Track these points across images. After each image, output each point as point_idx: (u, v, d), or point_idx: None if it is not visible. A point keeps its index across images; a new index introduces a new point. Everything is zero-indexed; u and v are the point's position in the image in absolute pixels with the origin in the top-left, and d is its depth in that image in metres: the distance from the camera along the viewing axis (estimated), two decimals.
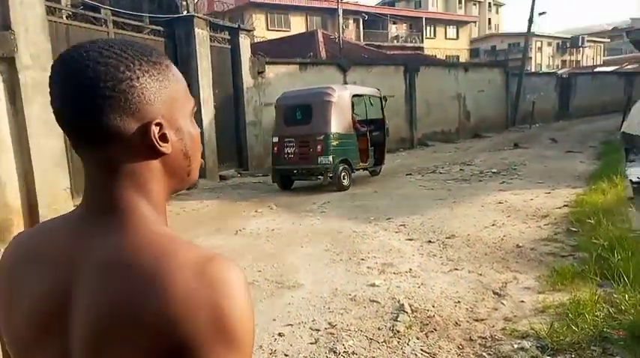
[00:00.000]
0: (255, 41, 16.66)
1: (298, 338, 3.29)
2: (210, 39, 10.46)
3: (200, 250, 0.61)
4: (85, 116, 0.61)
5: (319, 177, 8.40)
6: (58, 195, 6.12)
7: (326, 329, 3.39)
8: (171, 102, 0.66)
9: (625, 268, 3.66)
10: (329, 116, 8.26)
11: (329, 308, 3.70)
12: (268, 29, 29.38)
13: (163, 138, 0.64)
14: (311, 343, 3.21)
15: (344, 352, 3.07)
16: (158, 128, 0.63)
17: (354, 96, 9.03)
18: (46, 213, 5.94)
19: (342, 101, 8.55)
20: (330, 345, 3.16)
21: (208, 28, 10.45)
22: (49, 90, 0.64)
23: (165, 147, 0.64)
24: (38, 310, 0.63)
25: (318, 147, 8.19)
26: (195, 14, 10.52)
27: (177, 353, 0.56)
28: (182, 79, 0.69)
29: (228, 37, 11.38)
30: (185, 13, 10.84)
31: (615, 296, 3.45)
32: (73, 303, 0.61)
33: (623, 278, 3.57)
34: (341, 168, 8.34)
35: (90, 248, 0.63)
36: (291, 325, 3.48)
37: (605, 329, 3.02)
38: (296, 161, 8.49)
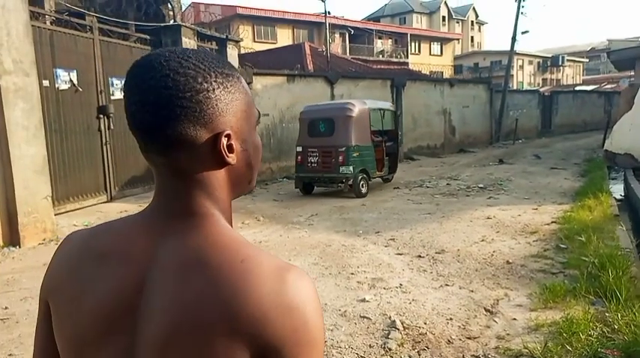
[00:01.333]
0: (243, 52, 16.62)
1: None
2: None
3: (278, 259, 0.66)
4: (162, 123, 0.64)
5: (340, 184, 9.09)
6: (39, 204, 5.92)
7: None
8: (240, 114, 0.69)
9: (617, 286, 3.65)
10: (350, 129, 8.97)
11: None
12: (255, 41, 29.43)
13: (230, 148, 0.67)
14: None
15: None
16: (227, 139, 0.66)
17: (372, 110, 9.70)
18: (25, 222, 5.74)
19: (362, 115, 9.24)
20: None
21: (196, 38, 10.36)
22: (122, 94, 0.69)
23: (231, 158, 0.67)
24: (106, 308, 0.64)
25: (340, 157, 8.87)
26: (183, 24, 10.43)
27: (261, 353, 0.59)
28: (249, 91, 0.72)
29: (216, 48, 11.30)
30: (172, 22, 10.76)
31: (608, 315, 3.43)
32: (143, 302, 0.63)
33: (615, 297, 3.55)
34: (360, 177, 9.04)
35: (164, 249, 0.65)
36: None
37: (599, 349, 2.98)
38: (319, 170, 9.18)
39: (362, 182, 9.10)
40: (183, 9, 17.44)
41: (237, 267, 0.62)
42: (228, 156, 0.66)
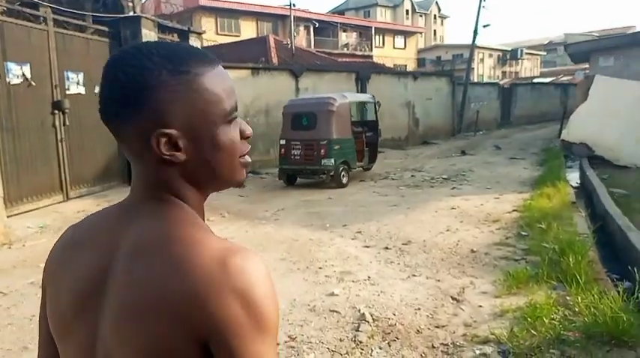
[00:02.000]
0: (206, 45, 16.30)
1: None
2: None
3: (226, 243, 0.66)
4: (110, 116, 0.68)
5: (322, 176, 9.40)
6: None
7: (286, 342, 3.25)
8: (191, 112, 0.68)
9: (576, 270, 3.76)
10: (331, 123, 9.29)
11: (288, 320, 3.56)
12: (218, 33, 28.93)
13: (176, 146, 0.68)
14: None
15: None
16: (166, 138, 0.67)
17: (352, 103, 10.06)
18: None
19: (342, 109, 9.54)
20: None
21: (157, 30, 10.07)
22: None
23: (172, 156, 0.68)
24: (79, 289, 0.70)
25: (322, 150, 9.20)
26: (143, 15, 10.11)
27: (205, 336, 0.61)
28: (216, 86, 0.70)
29: (178, 40, 11.03)
30: (131, 13, 10.41)
31: (569, 298, 3.54)
32: (108, 283, 0.67)
33: (576, 281, 3.67)
34: (341, 168, 9.43)
35: (127, 235, 0.69)
36: None
37: (562, 332, 3.07)
38: (302, 162, 9.47)
39: (343, 173, 9.47)
40: (143, 0, 16.95)
41: (180, 250, 0.64)
42: (165, 155, 0.67)
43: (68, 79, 8.11)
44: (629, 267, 3.67)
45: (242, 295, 0.61)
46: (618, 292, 3.29)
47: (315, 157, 9.28)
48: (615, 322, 2.91)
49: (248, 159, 0.77)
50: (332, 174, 9.23)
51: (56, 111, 7.73)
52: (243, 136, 0.76)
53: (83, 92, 8.37)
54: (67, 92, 8.04)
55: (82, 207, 7.43)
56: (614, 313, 2.96)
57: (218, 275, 0.61)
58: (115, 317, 0.65)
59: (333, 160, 9.19)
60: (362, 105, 10.81)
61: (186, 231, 0.67)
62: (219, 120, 0.70)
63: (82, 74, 8.35)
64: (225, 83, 0.72)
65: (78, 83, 8.31)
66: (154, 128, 0.66)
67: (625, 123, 10.60)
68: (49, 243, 5.57)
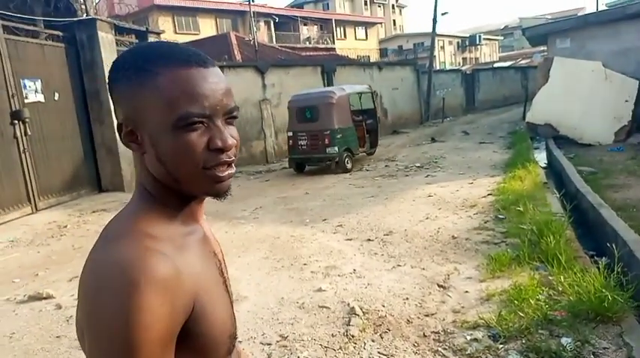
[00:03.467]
0: None
1: (249, 355, 3.08)
2: (117, 43, 9.77)
3: (128, 241, 0.66)
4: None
5: (328, 162, 10.33)
6: None
7: (278, 342, 3.22)
8: (141, 109, 0.70)
9: (557, 250, 3.85)
10: (332, 114, 10.16)
11: (278, 320, 3.52)
12: (176, 32, 28.32)
13: (133, 138, 0.72)
14: None
15: None
16: (127, 128, 0.72)
17: (350, 94, 10.92)
18: None
19: (341, 101, 10.42)
20: None
21: (114, 32, 9.75)
22: None
23: (128, 145, 0.73)
24: None
25: (326, 139, 10.09)
26: (98, 17, 9.77)
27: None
28: (175, 89, 0.69)
29: (136, 41, 10.72)
30: (85, 16, 10.04)
31: (552, 278, 3.62)
32: None
33: (557, 260, 3.75)
34: (345, 155, 10.30)
35: None
36: (240, 341, 3.25)
37: (548, 312, 3.13)
38: (308, 151, 10.40)
39: (347, 159, 10.37)
40: (95, 2, 16.36)
41: (94, 247, 0.70)
42: (123, 141, 0.73)
43: (25, 87, 7.77)
44: (607, 244, 3.78)
45: (84, 291, 0.64)
46: (598, 268, 3.39)
47: (320, 146, 10.16)
48: (599, 299, 2.99)
49: (219, 173, 0.72)
50: (337, 160, 10.13)
51: (16, 122, 7.40)
52: (210, 147, 0.70)
53: (43, 100, 8.04)
54: (26, 101, 7.71)
55: (52, 218, 7.17)
56: (597, 291, 3.04)
57: (84, 270, 0.66)
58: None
59: (336, 148, 10.04)
60: (360, 96, 11.56)
61: (118, 226, 0.71)
62: (167, 123, 0.68)
63: (39, 81, 8.02)
64: (191, 88, 0.69)
65: (36, 91, 7.97)
66: (119, 117, 0.73)
67: (586, 102, 10.95)
68: (23, 256, 5.38)
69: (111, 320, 0.59)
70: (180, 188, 0.73)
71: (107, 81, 0.74)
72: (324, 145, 10.13)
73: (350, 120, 10.61)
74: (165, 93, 0.68)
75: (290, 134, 10.67)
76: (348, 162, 10.39)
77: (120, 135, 0.73)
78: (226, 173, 0.73)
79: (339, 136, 10.15)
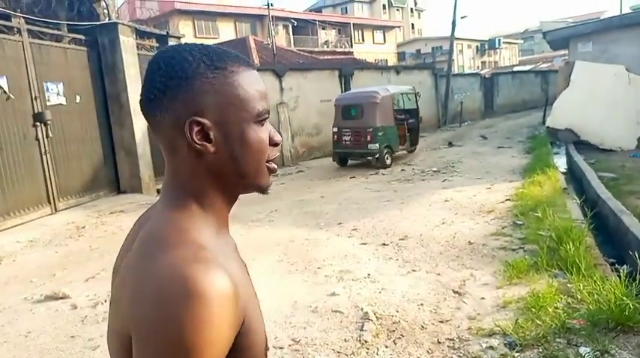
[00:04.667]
0: None
1: None
2: (138, 47, 9.91)
3: (188, 252, 0.63)
4: (145, 103, 0.71)
5: (369, 158, 10.98)
6: None
7: (290, 345, 3.21)
8: (224, 105, 0.70)
9: (576, 257, 3.77)
10: (376, 113, 10.84)
11: (291, 323, 3.51)
12: (196, 36, 28.66)
13: (207, 137, 0.69)
14: None
15: None
16: (199, 127, 0.69)
17: (394, 95, 11.63)
18: None
19: (385, 101, 11.10)
20: None
21: (134, 36, 9.90)
22: None
23: (203, 146, 0.69)
24: (114, 280, 0.76)
25: (368, 136, 10.78)
26: (120, 21, 9.92)
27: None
28: (249, 85, 0.72)
29: (157, 45, 10.86)
30: (107, 20, 10.21)
31: (571, 286, 3.54)
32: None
33: (576, 268, 3.67)
34: (385, 151, 10.95)
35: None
36: None
37: (566, 321, 3.06)
38: (351, 146, 11.14)
39: (386, 156, 11.02)
40: (117, 6, 16.64)
41: (145, 253, 0.66)
42: (196, 143, 0.68)
43: (48, 90, 7.93)
44: (629, 252, 3.68)
45: (147, 302, 0.59)
46: (619, 277, 3.30)
47: (362, 142, 10.86)
48: (620, 308, 2.91)
49: (275, 165, 0.78)
50: (377, 156, 10.79)
51: (38, 124, 7.55)
52: (271, 142, 0.76)
53: (64, 103, 8.20)
54: (48, 103, 7.86)
55: (71, 219, 7.28)
56: (617, 299, 2.96)
57: (143, 279, 0.62)
58: (111, 316, 0.71)
59: (377, 145, 10.73)
60: (403, 96, 12.29)
61: (164, 235, 0.66)
62: (250, 118, 0.72)
63: (61, 84, 8.17)
64: (259, 85, 0.74)
65: (58, 94, 8.12)
66: (188, 116, 0.68)
67: (607, 107, 10.74)
68: (41, 256, 5.47)
69: (176, 334, 0.57)
70: (239, 185, 0.75)
71: (164, 80, 0.68)
72: (366, 142, 10.79)
73: (392, 119, 11.26)
74: (244, 90, 0.71)
75: (335, 130, 11.39)
76: (387, 159, 11.02)
77: (191, 135, 0.68)
78: (276, 165, 0.79)
79: (380, 134, 10.80)
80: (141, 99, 0.72)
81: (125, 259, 0.71)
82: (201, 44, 0.74)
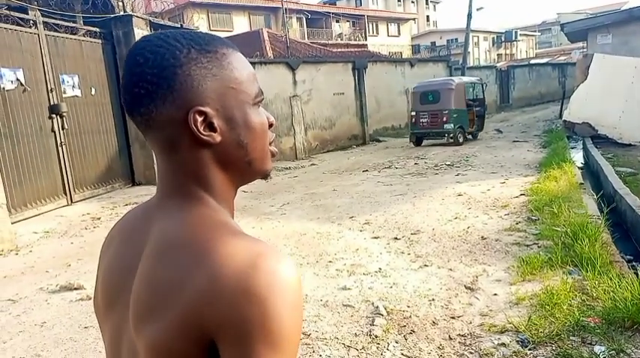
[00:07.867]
0: None
1: None
2: None
3: (256, 245, 0.61)
4: (136, 102, 0.65)
5: (444, 137, 12.88)
6: None
7: (300, 339, 3.21)
8: (224, 90, 0.66)
9: (592, 254, 3.71)
10: (451, 98, 12.75)
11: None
12: (211, 29, 28.68)
13: (211, 126, 0.65)
14: None
15: None
16: (202, 117, 0.64)
17: (465, 83, 13.62)
18: None
19: (459, 87, 13.01)
20: (307, 357, 2.99)
21: (149, 28, 9.94)
22: None
23: (209, 136, 0.65)
24: (112, 283, 0.71)
25: (444, 117, 12.66)
26: (134, 14, 9.97)
27: (212, 337, 0.57)
28: (243, 67, 0.69)
29: None
30: (122, 13, 10.26)
31: (586, 283, 3.48)
32: (134, 282, 0.66)
33: (591, 265, 3.61)
34: (458, 131, 12.81)
35: (153, 230, 0.67)
36: None
37: (581, 318, 3.01)
38: (428, 127, 13.14)
39: (460, 135, 12.78)
40: None
41: (200, 248, 0.60)
42: (203, 135, 0.65)
43: (64, 82, 8.01)
44: None
45: (258, 300, 0.56)
46: (636, 274, 3.24)
47: (439, 123, 12.71)
48: (637, 306, 2.85)
49: (275, 148, 0.76)
50: (451, 135, 12.61)
51: (54, 115, 7.64)
52: (269, 123, 0.74)
53: (79, 95, 8.28)
54: (64, 95, 7.95)
55: (86, 210, 7.37)
56: (634, 297, 2.91)
57: (240, 276, 0.57)
58: (135, 314, 0.64)
59: (452, 125, 12.58)
60: (473, 86, 14.17)
61: (208, 228, 0.64)
62: (250, 100, 0.69)
63: (77, 77, 8.26)
64: (249, 66, 0.71)
65: (74, 86, 8.21)
66: (189, 107, 0.64)
67: (627, 101, 10.52)
68: (57, 247, 5.55)
69: (292, 321, 0.57)
70: (246, 172, 0.72)
71: (155, 71, 0.63)
72: (442, 122, 12.59)
73: (464, 104, 12.99)
74: (239, 72, 0.68)
75: (413, 114, 13.31)
76: (460, 137, 12.71)
77: (196, 127, 0.64)
78: (275, 148, 0.76)
79: (455, 115, 12.56)
80: (126, 98, 0.66)
81: (155, 264, 0.64)
82: (181, 29, 0.70)
